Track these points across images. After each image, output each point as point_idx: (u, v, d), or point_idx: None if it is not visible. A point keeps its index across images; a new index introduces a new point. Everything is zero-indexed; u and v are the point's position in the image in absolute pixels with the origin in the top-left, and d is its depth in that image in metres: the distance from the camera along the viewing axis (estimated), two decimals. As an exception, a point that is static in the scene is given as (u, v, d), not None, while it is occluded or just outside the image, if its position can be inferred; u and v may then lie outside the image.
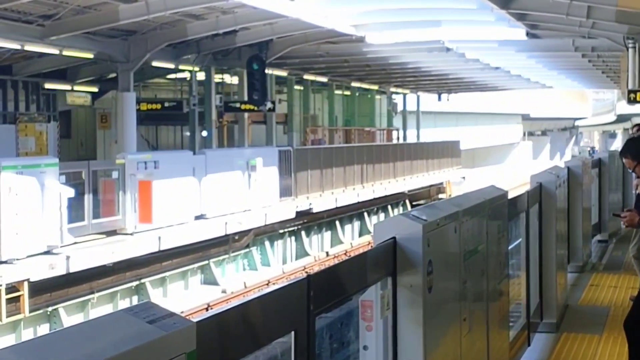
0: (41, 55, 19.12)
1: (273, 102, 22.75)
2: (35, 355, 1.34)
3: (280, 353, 2.59)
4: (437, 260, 3.48)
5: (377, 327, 3.22)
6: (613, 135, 77.68)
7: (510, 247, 6.30)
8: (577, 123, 75.97)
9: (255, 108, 21.81)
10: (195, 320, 1.68)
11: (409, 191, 30.09)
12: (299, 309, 2.35)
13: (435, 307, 3.50)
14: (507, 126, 57.79)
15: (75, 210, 14.22)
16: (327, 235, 24.32)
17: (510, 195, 5.56)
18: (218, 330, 1.84)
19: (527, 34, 19.32)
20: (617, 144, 65.91)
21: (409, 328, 3.29)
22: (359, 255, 3.14)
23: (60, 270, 13.08)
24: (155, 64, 20.34)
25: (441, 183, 34.17)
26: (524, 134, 64.33)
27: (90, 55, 18.41)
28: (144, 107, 20.56)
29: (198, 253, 17.62)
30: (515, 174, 46.76)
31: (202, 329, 1.67)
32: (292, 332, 2.29)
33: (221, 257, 18.66)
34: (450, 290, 3.86)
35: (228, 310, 1.93)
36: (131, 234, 15.41)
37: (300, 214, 21.21)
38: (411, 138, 35.72)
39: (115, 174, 15.53)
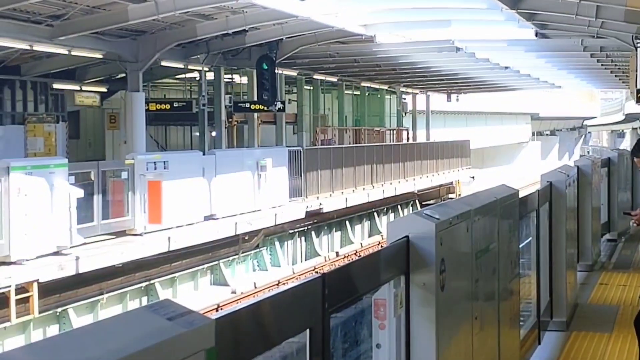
0: (50, 55, 19.19)
1: (283, 102, 22.76)
2: (57, 353, 1.35)
3: (296, 350, 2.60)
4: (450, 258, 3.49)
5: (390, 325, 3.22)
6: (621, 135, 77.43)
7: (520, 246, 6.31)
8: (585, 123, 75.75)
9: (265, 108, 21.82)
10: (214, 317, 1.69)
11: (418, 191, 30.08)
12: (314, 308, 2.36)
13: (448, 305, 3.51)
14: (516, 126, 57.68)
15: (84, 210, 14.24)
16: (337, 235, 24.32)
17: (520, 195, 5.57)
18: (237, 328, 1.85)
19: (536, 33, 19.29)
20: (626, 144, 65.67)
21: (422, 326, 3.29)
22: (373, 254, 3.15)
23: (70, 271, 13.11)
24: (164, 63, 20.38)
25: (451, 183, 34.16)
26: (533, 134, 64.16)
27: (99, 55, 18.47)
28: (153, 107, 20.61)
29: (208, 253, 17.63)
30: (524, 173, 46.67)
31: (221, 326, 1.68)
32: (307, 331, 2.30)
33: (231, 258, 18.67)
34: (463, 288, 3.86)
35: (246, 307, 1.94)
36: (140, 235, 15.43)
37: (310, 214, 21.22)
38: (421, 138, 35.69)
39: (124, 175, 15.55)
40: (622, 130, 75.75)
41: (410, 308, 3.28)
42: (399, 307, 3.20)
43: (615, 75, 31.83)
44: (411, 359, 3.29)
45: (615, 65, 27.24)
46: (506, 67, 27.74)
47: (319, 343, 2.32)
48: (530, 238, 6.57)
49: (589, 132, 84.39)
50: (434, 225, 3.29)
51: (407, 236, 3.26)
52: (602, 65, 27.22)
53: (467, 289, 3.91)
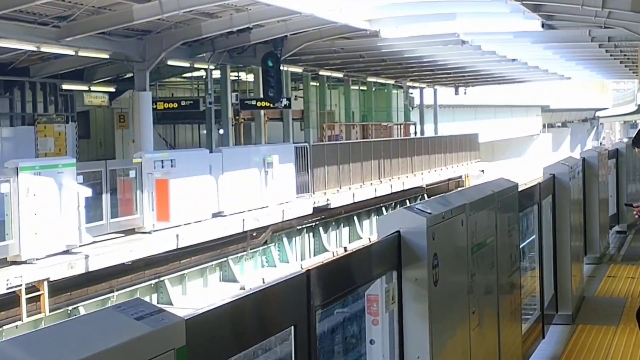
0: (58, 56, 19.25)
1: (289, 99, 22.75)
2: (23, 352, 1.36)
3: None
4: (443, 253, 3.48)
5: (383, 321, 3.22)
6: (634, 126, 76.86)
7: (528, 240, 6.28)
8: (597, 114, 75.30)
9: (271, 105, 21.82)
10: (185, 316, 1.69)
11: (427, 185, 30.00)
12: (299, 304, 2.35)
13: (442, 300, 3.49)
14: (527, 118, 57.38)
15: (93, 209, 14.31)
16: (345, 230, 24.31)
17: (521, 188, 5.53)
18: (210, 327, 1.85)
19: (543, 25, 19.16)
20: (638, 135, 65.10)
21: (415, 322, 3.29)
22: (362, 249, 3.14)
23: (80, 269, 13.18)
24: (170, 62, 20.41)
25: (460, 177, 34.05)
26: (544, 126, 63.81)
27: (105, 56, 18.51)
28: (160, 106, 20.64)
29: (216, 250, 17.67)
30: (535, 166, 46.42)
31: (193, 325, 1.68)
32: (292, 328, 2.30)
33: (239, 254, 18.71)
34: (457, 283, 3.85)
35: (221, 306, 1.94)
36: (149, 233, 15.49)
37: (317, 210, 21.22)
38: (429, 132, 35.61)
39: (132, 173, 15.60)
40: (635, 121, 75.24)
41: (403, 303, 3.27)
42: (391, 303, 3.20)
43: (625, 66, 31.62)
44: (405, 354, 3.28)
45: (625, 55, 27.06)
46: (513, 60, 27.60)
47: (305, 340, 2.32)
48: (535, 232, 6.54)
49: (601, 124, 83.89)
50: (425, 220, 3.28)
51: (398, 231, 3.25)
52: (611, 55, 27.03)
53: (462, 283, 3.90)
